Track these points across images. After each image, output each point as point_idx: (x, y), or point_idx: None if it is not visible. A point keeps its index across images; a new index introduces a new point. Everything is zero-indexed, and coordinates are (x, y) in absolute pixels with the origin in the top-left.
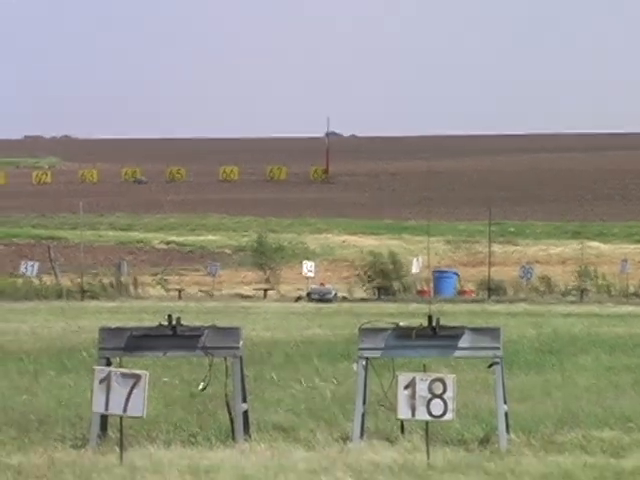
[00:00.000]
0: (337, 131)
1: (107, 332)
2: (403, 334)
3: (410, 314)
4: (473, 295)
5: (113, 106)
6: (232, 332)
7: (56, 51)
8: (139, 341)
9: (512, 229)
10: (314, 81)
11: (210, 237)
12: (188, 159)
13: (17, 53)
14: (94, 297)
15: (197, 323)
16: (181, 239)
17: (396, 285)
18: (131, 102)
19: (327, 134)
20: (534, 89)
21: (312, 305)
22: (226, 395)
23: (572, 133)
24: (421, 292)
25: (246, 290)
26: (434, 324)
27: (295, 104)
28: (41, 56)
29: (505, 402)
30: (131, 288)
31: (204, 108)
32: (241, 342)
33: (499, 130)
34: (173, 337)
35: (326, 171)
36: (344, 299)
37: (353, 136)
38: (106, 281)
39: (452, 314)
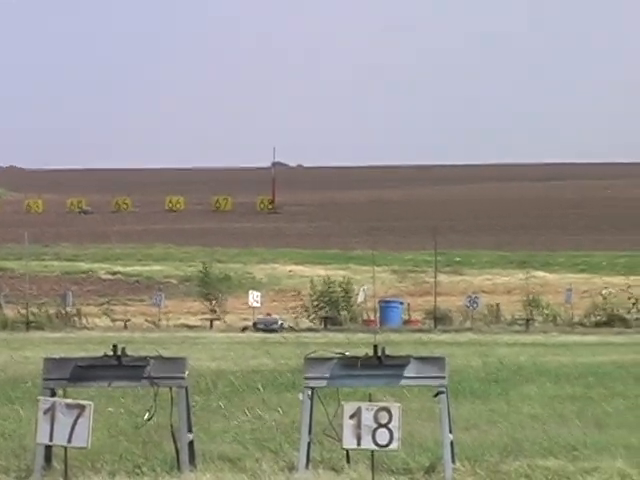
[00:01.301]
0: (283, 161)
1: (52, 362)
2: (349, 364)
3: (356, 344)
4: (419, 325)
5: (60, 137)
6: (177, 362)
7: (1, 82)
8: (84, 371)
9: (458, 259)
10: (260, 111)
11: (156, 267)
12: (134, 189)
13: None
14: (39, 328)
15: (143, 353)
16: (127, 269)
17: (343, 315)
18: (77, 133)
19: (273, 164)
20: (482, 120)
21: (258, 335)
22: (171, 425)
23: (519, 163)
24: (367, 322)
25: (192, 320)
26: (380, 354)
27: (241, 134)
28: None
29: (450, 431)
30: (76, 319)
31: (150, 139)
32: (186, 372)
33: (446, 160)
34: (118, 367)
35: (272, 201)
36: (290, 329)
37: (300, 166)
38: (51, 312)
39: (398, 344)
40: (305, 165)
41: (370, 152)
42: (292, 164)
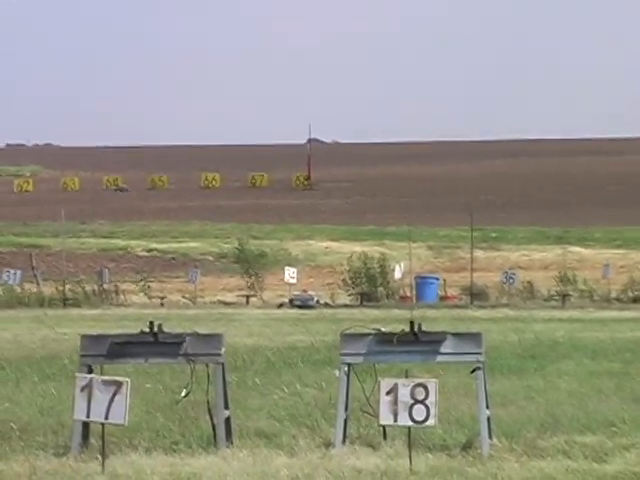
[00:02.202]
0: (319, 138)
1: (88, 339)
2: (385, 340)
3: (393, 319)
4: (455, 301)
5: (95, 114)
6: (214, 339)
7: (39, 60)
8: (121, 348)
9: (494, 234)
10: (295, 88)
11: (192, 244)
12: (170, 166)
13: None
14: (76, 305)
15: (179, 330)
16: (163, 246)
17: (380, 291)
18: (113, 110)
19: (309, 140)
20: (516, 92)
21: (294, 312)
22: (208, 402)
23: (554, 138)
24: (403, 298)
25: (228, 297)
26: (416, 329)
27: (277, 111)
28: (23, 65)
29: (487, 407)
30: (113, 296)
31: (185, 115)
32: (223, 349)
33: (481, 136)
34: (155, 344)
35: (308, 178)
36: (326, 305)
37: (335, 142)
38: (88, 289)
39: (434, 320)
40: (341, 141)
41: (405, 128)
42: (328, 140)
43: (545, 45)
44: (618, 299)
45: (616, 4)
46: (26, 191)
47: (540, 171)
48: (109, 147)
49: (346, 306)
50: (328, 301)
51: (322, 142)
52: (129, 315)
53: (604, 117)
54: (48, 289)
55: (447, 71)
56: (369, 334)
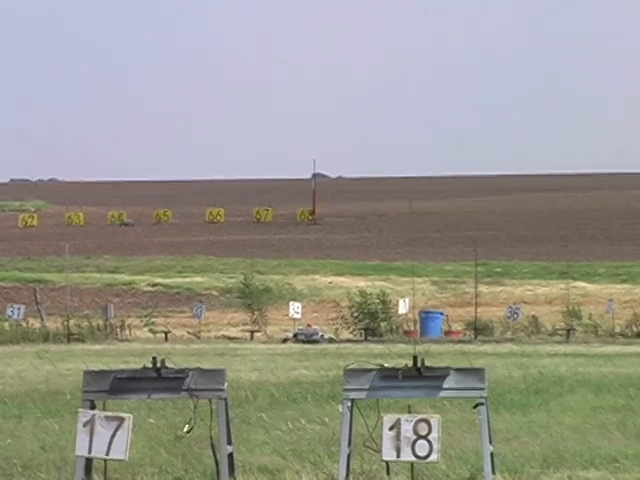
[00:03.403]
0: (324, 172)
1: (91, 375)
2: (388, 375)
3: (397, 355)
4: (460, 336)
5: (100, 149)
6: (217, 374)
7: (43, 96)
8: (123, 383)
9: (499, 269)
10: (300, 122)
11: (197, 279)
12: (175, 201)
13: (4, 97)
14: (80, 340)
15: (184, 365)
16: (168, 281)
17: (383, 326)
18: (118, 146)
19: (314, 175)
20: (518, 128)
21: (298, 346)
22: (211, 437)
23: (557, 173)
24: (408, 333)
25: (233, 332)
26: (419, 365)
27: (282, 146)
28: (29, 101)
29: (490, 442)
30: (117, 331)
31: (191, 150)
32: (225, 384)
33: (485, 171)
34: (157, 379)
35: (313, 212)
36: (331, 340)
37: (340, 177)
38: (93, 324)
39: (439, 355)
40: (345, 176)
41: (410, 163)
42: (332, 175)
43: (550, 80)
44: (622, 334)
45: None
46: (31, 226)
47: (544, 206)
48: (114, 182)
49: (350, 341)
50: (332, 336)
51: (327, 177)
52: (133, 350)
53: (608, 152)
54: (52, 324)
55: (450, 106)
56: (372, 369)
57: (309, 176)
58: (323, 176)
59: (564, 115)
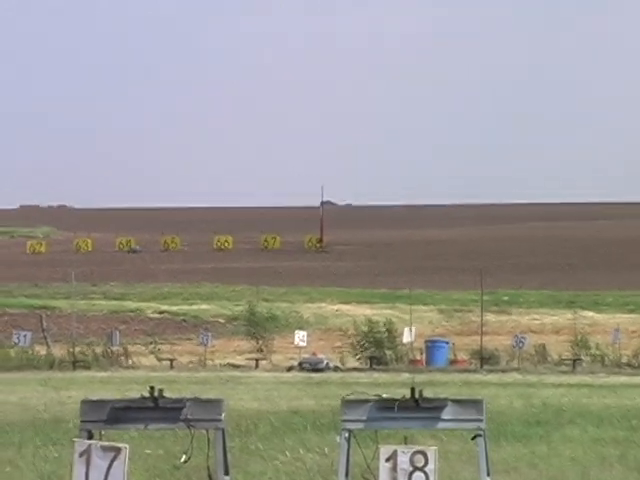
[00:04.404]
0: (332, 200)
1: (88, 404)
2: (386, 406)
3: (401, 384)
4: (465, 365)
5: (110, 176)
6: (214, 404)
7: (54, 121)
8: (121, 413)
9: (505, 298)
10: (309, 150)
11: (204, 306)
12: (182, 228)
13: (14, 120)
14: (86, 367)
15: (187, 393)
16: (174, 308)
17: (388, 354)
18: (127, 172)
19: (322, 203)
20: (526, 157)
21: (303, 375)
22: (209, 467)
23: (565, 202)
24: (414, 362)
25: (239, 360)
26: (417, 396)
27: (290, 173)
28: (39, 125)
29: (489, 474)
30: (122, 358)
31: (199, 177)
32: (223, 414)
33: (491, 199)
34: (155, 409)
35: (320, 240)
36: (336, 368)
37: (348, 205)
38: (98, 351)
39: (443, 384)
40: (354, 204)
41: (418, 191)
42: (340, 203)
43: (555, 108)
44: (629, 364)
45: None
46: (38, 253)
47: (551, 235)
48: (122, 208)
49: (355, 369)
50: (338, 364)
51: (335, 204)
52: (138, 378)
53: (614, 180)
54: (58, 351)
55: (455, 135)
56: (370, 400)
57: (317, 204)
58: (331, 204)
59: (570, 144)
